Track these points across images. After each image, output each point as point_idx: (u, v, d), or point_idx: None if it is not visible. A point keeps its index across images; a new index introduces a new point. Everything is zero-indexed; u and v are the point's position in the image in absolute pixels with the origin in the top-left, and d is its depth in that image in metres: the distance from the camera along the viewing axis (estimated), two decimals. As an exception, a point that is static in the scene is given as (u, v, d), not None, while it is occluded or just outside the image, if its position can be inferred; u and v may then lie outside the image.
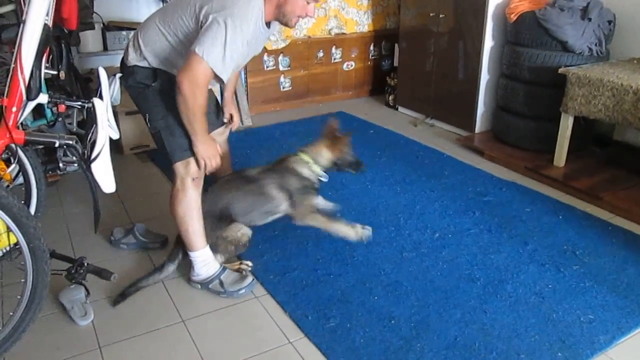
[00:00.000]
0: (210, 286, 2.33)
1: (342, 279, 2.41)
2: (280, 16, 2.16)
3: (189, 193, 2.24)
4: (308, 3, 2.14)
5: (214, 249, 2.39)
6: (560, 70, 3.25)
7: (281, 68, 4.69)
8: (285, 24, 2.20)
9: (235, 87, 2.73)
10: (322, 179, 2.63)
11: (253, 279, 2.38)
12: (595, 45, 3.39)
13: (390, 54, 5.10)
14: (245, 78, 4.51)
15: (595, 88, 3.04)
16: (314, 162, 2.59)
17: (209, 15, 1.98)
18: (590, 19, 3.35)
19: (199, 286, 2.36)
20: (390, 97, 4.85)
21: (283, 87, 4.77)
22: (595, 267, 2.49)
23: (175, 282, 2.42)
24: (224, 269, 2.37)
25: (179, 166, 2.22)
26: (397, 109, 4.77)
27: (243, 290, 2.32)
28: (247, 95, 4.53)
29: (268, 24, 2.18)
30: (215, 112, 2.61)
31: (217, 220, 2.42)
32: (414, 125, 4.39)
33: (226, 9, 1.98)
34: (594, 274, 2.44)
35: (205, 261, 2.34)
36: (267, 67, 4.61)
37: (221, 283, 2.33)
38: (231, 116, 2.67)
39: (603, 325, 2.12)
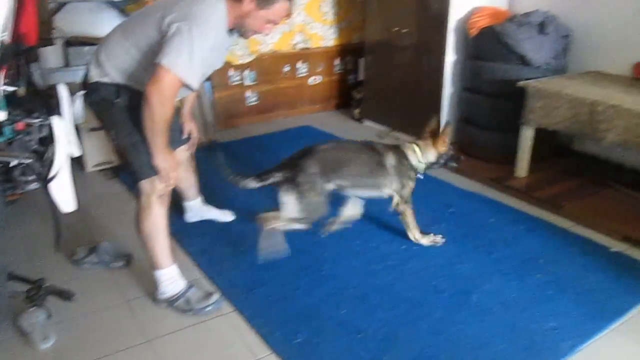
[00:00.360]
0: (176, 304, 2.30)
1: (310, 293, 2.40)
2: (239, 26, 2.15)
3: (154, 210, 2.21)
4: (267, 23, 2.15)
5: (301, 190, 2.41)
6: (520, 84, 3.34)
7: (247, 82, 4.69)
8: (241, 35, 2.21)
9: (193, 103, 2.72)
10: (419, 175, 2.74)
11: (220, 296, 2.36)
12: (553, 59, 3.50)
13: (356, 68, 5.15)
14: (211, 93, 4.49)
15: (553, 100, 3.14)
16: (423, 157, 2.70)
17: (172, 24, 1.96)
18: (547, 34, 3.46)
19: (165, 305, 2.32)
20: (356, 111, 4.89)
21: (249, 102, 4.76)
22: (557, 275, 2.55)
23: (140, 301, 2.38)
24: (191, 286, 2.34)
25: (144, 183, 2.19)
26: (363, 122, 4.81)
27: (210, 307, 2.29)
28: (212, 110, 4.51)
29: (231, 31, 2.18)
30: (180, 129, 2.60)
31: (320, 173, 2.47)
32: (380, 138, 4.43)
33: (189, 16, 1.96)
34: (556, 282, 2.49)
35: (171, 279, 2.30)
36: (232, 81, 4.60)
37: (187, 301, 2.29)
38: (190, 133, 2.67)
39: (566, 332, 2.16)
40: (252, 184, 2.50)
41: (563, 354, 2.05)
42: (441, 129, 2.74)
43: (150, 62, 2.00)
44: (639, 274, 2.57)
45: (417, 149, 2.70)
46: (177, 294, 2.30)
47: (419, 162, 2.70)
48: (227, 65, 4.50)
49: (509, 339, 2.12)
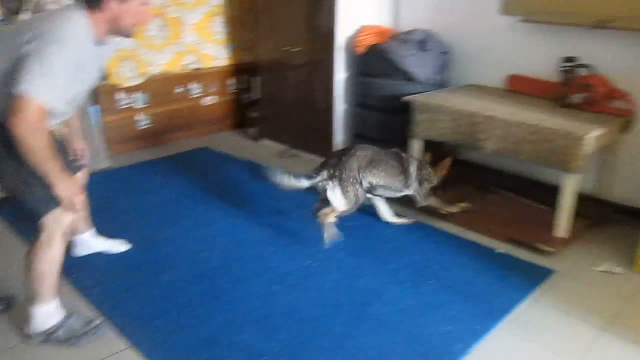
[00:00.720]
0: (55, 336, 2.17)
1: (210, 320, 2.34)
2: (115, 31, 2.06)
3: (55, 247, 2.08)
4: (143, 5, 2.04)
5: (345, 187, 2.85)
6: (405, 99, 3.49)
7: (138, 105, 4.53)
8: (125, 35, 2.11)
9: (77, 125, 2.54)
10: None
11: (102, 321, 2.25)
12: (435, 74, 3.70)
13: (251, 87, 5.14)
14: (100, 117, 4.29)
15: (436, 114, 3.31)
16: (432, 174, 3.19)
17: (26, 47, 1.82)
18: (428, 51, 3.65)
19: (42, 338, 2.17)
20: (253, 130, 4.88)
21: (141, 125, 4.60)
22: (450, 280, 2.67)
23: (23, 348, 2.20)
24: (70, 315, 2.22)
25: (48, 220, 2.04)
26: (260, 142, 4.81)
27: (92, 333, 2.20)
28: (102, 135, 4.31)
29: (101, 41, 2.07)
30: (72, 154, 2.44)
31: (358, 170, 2.90)
32: (278, 156, 4.45)
33: (45, 35, 1.84)
34: (449, 286, 2.61)
35: (50, 313, 2.18)
36: (122, 105, 4.42)
37: (67, 330, 2.18)
38: (80, 152, 2.52)
39: (459, 334, 2.27)
40: (304, 183, 2.89)
41: (457, 356, 2.15)
42: (443, 161, 3.23)
43: (8, 92, 1.82)
44: (522, 272, 2.76)
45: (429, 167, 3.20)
46: (54, 326, 2.17)
47: (431, 175, 3.18)
48: (115, 88, 4.33)
49: (407, 346, 2.19)
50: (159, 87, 4.63)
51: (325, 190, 2.85)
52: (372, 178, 2.97)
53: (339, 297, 2.52)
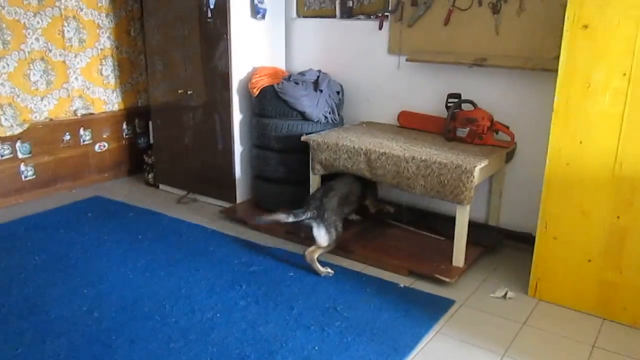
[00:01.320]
0: None
1: (101, 389, 2.16)
2: None
3: None
4: None
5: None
6: (303, 138, 3.51)
7: (20, 155, 4.22)
8: None
9: None
10: None
11: None
12: (330, 113, 3.76)
13: (146, 131, 4.97)
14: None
15: (334, 152, 3.34)
16: None
17: None
18: (321, 90, 3.71)
19: None
20: (150, 176, 4.69)
21: (25, 176, 4.28)
22: (355, 319, 2.66)
23: None
24: None
25: None
26: (158, 187, 4.63)
27: None
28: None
29: None
30: None
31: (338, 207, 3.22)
32: (177, 202, 4.29)
33: None
34: (354, 326, 2.60)
35: None
36: (1, 155, 4.09)
37: None
38: None
39: (366, 377, 2.25)
40: (290, 218, 3.17)
41: (365, 399, 2.12)
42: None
43: None
44: (424, 304, 2.81)
45: None
46: None
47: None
48: (-8, 138, 4.01)
49: (314, 395, 2.13)
50: (44, 135, 4.34)
51: (311, 228, 3.15)
52: (347, 208, 3.37)
53: (244, 348, 2.42)
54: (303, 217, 3.17)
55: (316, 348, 2.42)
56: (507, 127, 3.36)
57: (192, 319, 2.65)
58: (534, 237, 2.88)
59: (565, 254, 2.78)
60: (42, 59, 4.25)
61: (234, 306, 2.76)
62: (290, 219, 3.17)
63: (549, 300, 2.87)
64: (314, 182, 3.55)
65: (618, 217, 2.60)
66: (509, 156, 3.44)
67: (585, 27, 2.52)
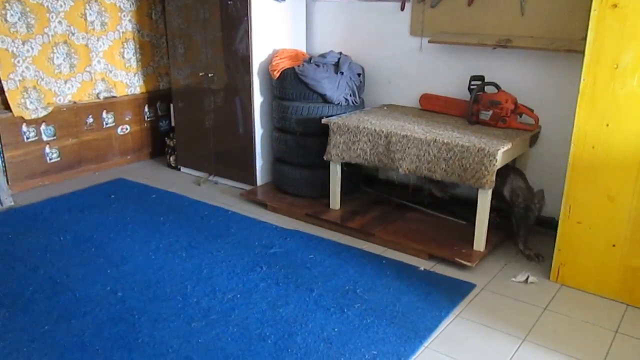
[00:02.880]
0: None
1: (125, 367, 2.20)
2: None
3: None
4: None
5: None
6: (323, 121, 3.50)
7: (45, 138, 4.28)
8: None
9: None
10: None
11: None
12: (350, 96, 3.73)
13: (167, 114, 5.00)
14: (1, 153, 4.02)
15: (353, 135, 3.33)
16: None
17: None
18: (342, 73, 3.69)
19: None
20: (172, 158, 4.73)
21: (50, 159, 4.35)
22: (375, 302, 2.66)
23: None
24: None
25: None
26: (179, 170, 4.67)
27: None
28: (5, 171, 4.03)
29: None
30: None
31: None
32: (198, 184, 4.33)
33: None
34: (374, 309, 2.60)
35: None
36: (27, 138, 4.16)
37: None
38: None
39: (385, 358, 2.25)
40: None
41: (384, 381, 2.13)
42: None
43: None
44: (444, 288, 2.80)
45: None
46: None
47: None
48: (20, 120, 4.07)
49: (334, 376, 2.15)
50: (68, 118, 4.40)
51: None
52: None
53: (264, 329, 2.44)
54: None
55: (335, 330, 2.44)
56: (532, 110, 3.30)
57: (213, 299, 2.68)
58: (557, 222, 2.83)
59: (589, 239, 2.74)
60: (65, 42, 4.29)
61: (255, 287, 2.78)
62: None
63: (571, 286, 2.84)
64: (333, 168, 3.53)
65: (645, 202, 2.55)
66: (533, 140, 3.38)
67: (615, 6, 2.44)
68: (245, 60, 3.91)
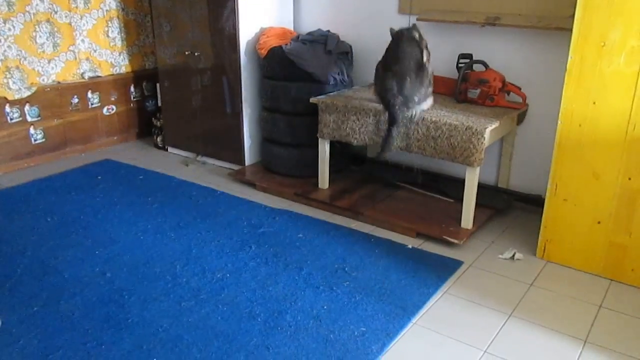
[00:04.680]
0: None
1: (116, 347, 2.20)
2: None
3: None
4: None
5: None
6: (312, 100, 3.48)
7: (29, 119, 4.22)
8: None
9: None
10: None
11: None
12: (339, 74, 3.71)
13: (154, 94, 4.95)
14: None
15: (343, 114, 3.32)
16: None
17: None
18: (330, 51, 3.66)
19: None
20: (159, 139, 4.69)
21: (35, 140, 4.29)
22: (363, 280, 2.69)
23: None
24: None
25: None
26: (167, 150, 4.63)
27: None
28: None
29: None
30: None
31: None
32: (186, 164, 4.31)
33: None
34: (363, 286, 2.63)
35: None
36: (11, 119, 4.10)
37: None
38: None
39: (374, 335, 2.28)
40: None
41: (373, 356, 2.15)
42: None
43: None
44: (432, 265, 2.83)
45: None
46: None
47: None
48: (3, 101, 4.01)
49: (323, 352, 2.17)
50: (53, 98, 4.34)
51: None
52: None
53: (254, 307, 2.46)
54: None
55: (325, 307, 2.46)
56: (519, 88, 3.31)
57: (202, 279, 2.69)
58: (544, 199, 2.86)
59: (574, 216, 2.78)
60: (47, 20, 4.21)
61: (244, 267, 2.79)
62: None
63: (557, 262, 2.88)
64: (322, 147, 3.53)
65: (629, 179, 2.58)
66: (521, 118, 3.39)
67: (602, -17, 2.44)
68: (232, 39, 3.87)
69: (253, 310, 2.43)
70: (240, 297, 2.54)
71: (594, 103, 2.58)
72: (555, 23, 3.09)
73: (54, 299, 2.51)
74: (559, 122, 2.70)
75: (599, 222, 2.71)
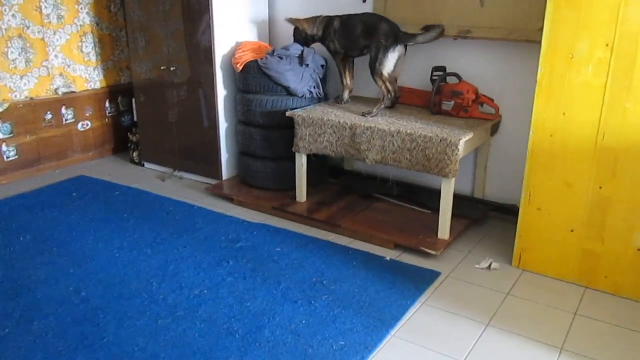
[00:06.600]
0: None
1: (90, 367, 2.17)
2: None
3: None
4: None
5: None
6: (287, 114, 3.49)
7: (1, 135, 4.16)
8: None
9: None
10: None
11: None
12: (314, 87, 3.73)
13: (129, 109, 4.91)
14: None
15: (318, 127, 3.33)
16: None
17: None
18: (307, 65, 3.68)
19: None
20: (135, 154, 4.65)
21: (7, 157, 4.22)
22: (342, 292, 2.68)
23: None
24: None
25: None
26: (143, 165, 4.59)
27: None
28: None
29: None
30: None
31: None
32: (162, 180, 4.27)
33: None
34: (341, 299, 2.62)
35: None
36: (-18, 136, 4.04)
37: None
38: None
39: (353, 348, 2.27)
40: None
41: (352, 371, 2.15)
42: None
43: None
44: (410, 277, 2.84)
45: None
46: None
47: None
48: (-26, 118, 3.95)
49: (302, 368, 2.16)
50: (25, 114, 4.28)
51: None
52: None
53: (232, 323, 2.44)
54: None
55: (303, 322, 2.45)
56: (492, 100, 3.36)
57: (179, 295, 2.66)
58: (519, 209, 2.90)
59: (548, 225, 2.82)
60: (19, 36, 4.16)
61: (222, 282, 2.77)
62: None
63: (532, 270, 2.92)
64: (299, 160, 3.53)
65: (600, 187, 2.63)
66: (494, 129, 3.45)
67: (569, -3, 2.50)
68: (207, 53, 3.87)
69: (231, 326, 2.41)
70: (217, 313, 2.52)
71: (564, 114, 2.64)
72: (525, 35, 3.15)
73: (27, 319, 2.46)
74: (531, 132, 2.74)
75: (572, 230, 2.76)
